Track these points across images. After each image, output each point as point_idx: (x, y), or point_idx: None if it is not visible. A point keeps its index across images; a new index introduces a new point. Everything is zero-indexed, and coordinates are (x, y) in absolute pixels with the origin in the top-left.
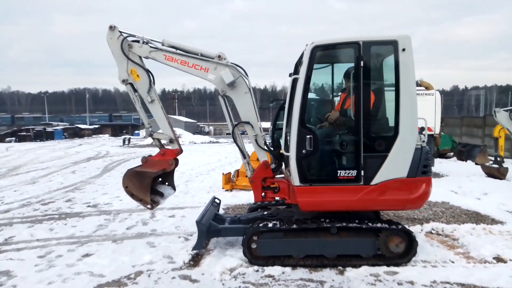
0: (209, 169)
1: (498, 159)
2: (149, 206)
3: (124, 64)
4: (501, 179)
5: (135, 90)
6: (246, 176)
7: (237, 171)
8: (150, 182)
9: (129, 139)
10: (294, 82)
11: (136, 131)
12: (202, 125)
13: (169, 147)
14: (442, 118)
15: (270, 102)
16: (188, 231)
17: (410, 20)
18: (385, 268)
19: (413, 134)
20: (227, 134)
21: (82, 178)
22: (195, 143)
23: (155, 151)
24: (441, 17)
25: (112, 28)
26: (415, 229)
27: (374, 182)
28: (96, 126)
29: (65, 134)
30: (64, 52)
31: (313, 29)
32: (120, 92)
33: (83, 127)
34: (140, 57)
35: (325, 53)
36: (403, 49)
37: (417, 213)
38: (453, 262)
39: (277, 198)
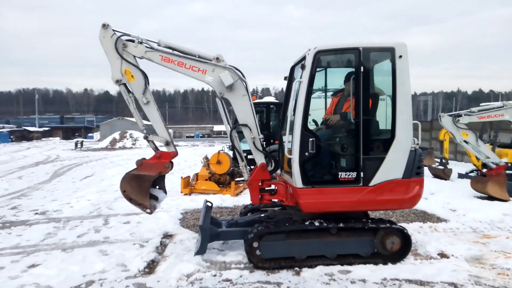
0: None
1: (443, 161)
2: (148, 210)
3: (118, 64)
4: (446, 179)
5: (128, 91)
6: (206, 180)
7: (196, 174)
8: (149, 186)
9: (81, 142)
10: (293, 86)
11: (90, 134)
12: None
13: (165, 150)
14: None
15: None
16: (143, 238)
17: (363, 29)
18: (339, 267)
19: (408, 137)
20: (187, 137)
21: (30, 184)
22: None
23: (109, 155)
24: (391, 27)
25: (105, 26)
26: None
27: (372, 183)
28: (46, 128)
29: (11, 137)
30: (11, 49)
31: (271, 34)
32: (72, 93)
33: (31, 129)
34: (134, 57)
35: (326, 58)
36: (400, 56)
37: (369, 213)
38: (404, 260)
39: (274, 200)
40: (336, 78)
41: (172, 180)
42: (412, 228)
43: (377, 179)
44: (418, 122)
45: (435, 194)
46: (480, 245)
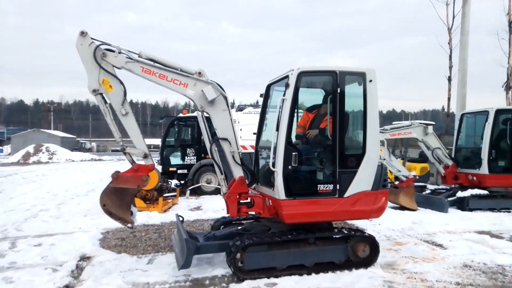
0: (89, 189)
1: None
2: (129, 225)
3: (96, 73)
4: None
5: (105, 101)
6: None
7: None
8: (131, 200)
9: None
10: (273, 103)
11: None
12: (82, 141)
13: (142, 163)
14: None
15: (160, 118)
16: (57, 261)
17: (294, 48)
18: (265, 280)
19: (377, 153)
20: (113, 151)
21: None
22: (73, 160)
23: (21, 170)
24: (319, 48)
25: (83, 34)
26: None
27: (346, 194)
28: None
29: None
30: None
31: (207, 49)
32: None
33: None
34: (113, 67)
35: (307, 78)
36: (370, 80)
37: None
38: (325, 272)
39: (252, 212)
40: (311, 95)
41: (93, 198)
42: None
43: (351, 190)
44: (384, 140)
45: None
46: (393, 252)
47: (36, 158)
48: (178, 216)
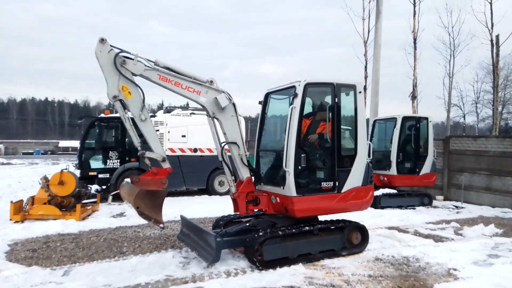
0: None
1: None
2: (161, 225)
3: (116, 80)
4: None
5: (124, 107)
6: (45, 203)
7: (32, 198)
8: (162, 202)
9: None
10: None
11: None
12: None
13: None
14: (248, 141)
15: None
16: None
17: (225, 52)
18: (191, 285)
19: (365, 153)
20: (24, 153)
21: None
22: None
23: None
24: (250, 54)
25: (103, 41)
26: None
27: (343, 190)
28: None
29: None
30: None
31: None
32: None
33: None
34: (132, 74)
35: (312, 89)
36: (360, 92)
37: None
38: (252, 270)
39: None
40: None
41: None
42: None
43: (346, 186)
44: (370, 142)
45: None
46: None
47: None
48: (182, 216)
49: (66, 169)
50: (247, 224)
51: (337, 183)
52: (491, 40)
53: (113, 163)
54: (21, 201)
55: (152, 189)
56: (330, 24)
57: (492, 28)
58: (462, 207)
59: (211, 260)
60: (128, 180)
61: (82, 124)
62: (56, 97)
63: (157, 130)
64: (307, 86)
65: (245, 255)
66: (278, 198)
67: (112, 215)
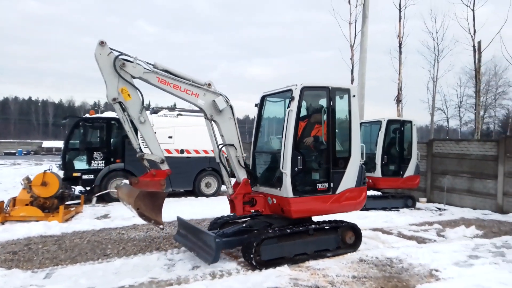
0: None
1: None
2: (161, 226)
3: (115, 82)
4: None
5: (123, 110)
6: (27, 205)
7: (14, 199)
8: (162, 203)
9: None
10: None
11: None
12: None
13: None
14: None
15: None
16: None
17: (213, 53)
18: (176, 287)
19: (359, 155)
20: (6, 154)
21: None
22: None
23: None
24: (238, 55)
25: (102, 43)
26: None
27: (338, 191)
28: None
29: None
30: None
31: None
32: None
33: None
34: (131, 77)
35: (308, 92)
36: (353, 95)
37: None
38: (238, 271)
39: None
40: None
41: None
42: None
43: (341, 188)
44: (363, 145)
45: None
46: None
47: None
48: (179, 218)
49: (49, 169)
50: (244, 225)
51: (332, 184)
52: (474, 46)
53: (98, 164)
54: (2, 202)
55: (152, 190)
56: (318, 28)
57: (474, 34)
58: (445, 209)
59: (211, 260)
60: (126, 181)
61: (67, 124)
62: (40, 96)
63: None
64: (304, 89)
65: (243, 255)
66: (274, 199)
67: (96, 217)
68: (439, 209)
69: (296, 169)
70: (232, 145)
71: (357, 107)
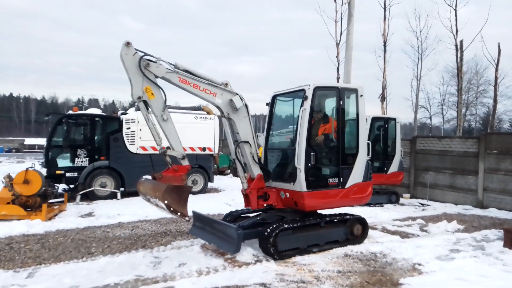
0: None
1: None
2: (187, 218)
3: (140, 82)
4: None
5: (147, 108)
6: (8, 203)
7: None
8: (188, 196)
9: None
10: (300, 113)
11: None
12: None
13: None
14: (222, 140)
15: (46, 115)
16: None
17: (200, 51)
18: (162, 284)
19: (366, 152)
20: None
21: None
22: None
23: None
24: (225, 53)
25: (128, 44)
26: (189, 242)
27: (347, 186)
28: None
29: None
30: None
31: (105, 42)
32: None
33: None
34: (154, 76)
35: (320, 92)
36: (361, 95)
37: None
38: (224, 268)
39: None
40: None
41: None
42: None
43: (349, 182)
44: (369, 142)
45: None
46: None
47: None
48: (195, 212)
49: (31, 167)
50: (258, 218)
51: (341, 179)
52: (456, 45)
53: (82, 162)
54: None
55: (177, 184)
56: (304, 26)
57: (456, 33)
58: (428, 205)
59: (234, 249)
60: (147, 176)
61: (49, 121)
62: (22, 92)
63: (129, 128)
64: (316, 89)
65: (260, 246)
66: (287, 194)
67: (80, 215)
68: (422, 204)
69: (309, 164)
70: (247, 142)
71: (364, 106)
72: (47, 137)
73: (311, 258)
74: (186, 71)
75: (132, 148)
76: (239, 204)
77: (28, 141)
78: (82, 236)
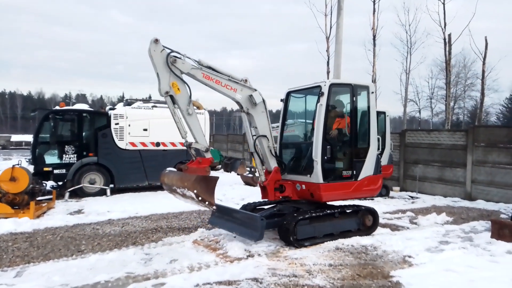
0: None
1: (252, 169)
2: (214, 207)
3: (167, 77)
4: (254, 186)
5: (173, 102)
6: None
7: None
8: (215, 186)
9: None
10: (317, 108)
11: None
12: None
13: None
14: (213, 135)
15: (32, 111)
16: None
17: (190, 45)
18: (153, 281)
19: (376, 146)
20: None
21: None
22: None
23: None
24: (216, 47)
25: (156, 41)
26: (181, 238)
27: (359, 178)
28: None
29: None
30: None
31: (93, 37)
32: None
33: None
34: (180, 72)
35: (335, 89)
36: (372, 92)
37: (187, 222)
38: (216, 263)
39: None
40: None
41: None
42: (224, 232)
43: (362, 175)
44: (379, 137)
45: (245, 199)
46: (277, 241)
47: None
48: (216, 205)
49: (18, 164)
50: (275, 209)
51: (354, 172)
52: (444, 39)
53: (70, 158)
54: None
55: (205, 175)
56: (295, 20)
57: (445, 27)
58: (417, 197)
59: (257, 237)
60: (171, 168)
61: (36, 117)
62: (8, 88)
63: (117, 124)
64: (332, 86)
65: (279, 235)
66: (303, 186)
67: (69, 212)
68: (412, 197)
69: (325, 157)
70: (265, 136)
71: (374, 102)
72: (34, 133)
73: (302, 252)
74: (209, 68)
75: (121, 144)
76: (230, 199)
77: (15, 137)
78: (71, 233)
